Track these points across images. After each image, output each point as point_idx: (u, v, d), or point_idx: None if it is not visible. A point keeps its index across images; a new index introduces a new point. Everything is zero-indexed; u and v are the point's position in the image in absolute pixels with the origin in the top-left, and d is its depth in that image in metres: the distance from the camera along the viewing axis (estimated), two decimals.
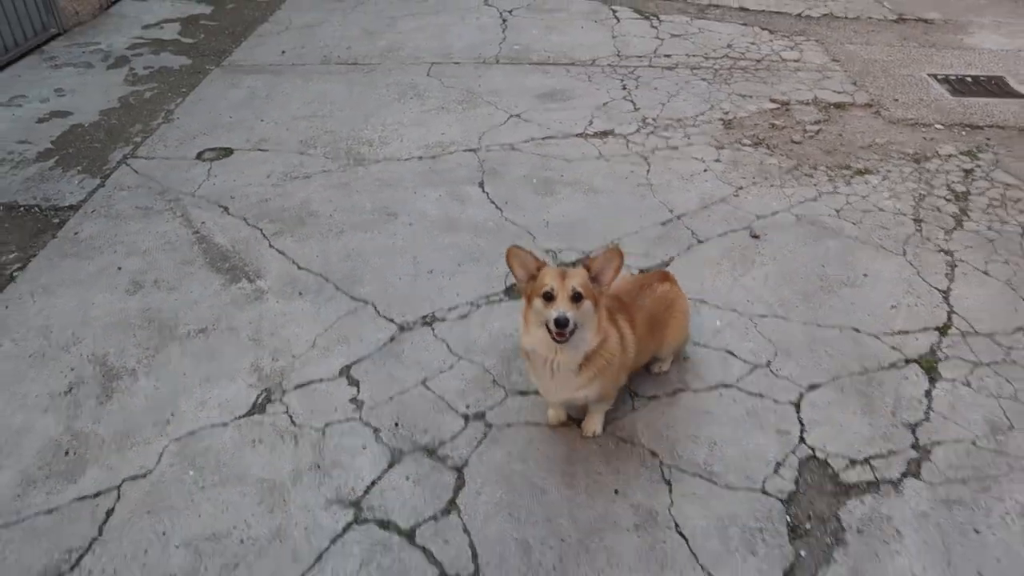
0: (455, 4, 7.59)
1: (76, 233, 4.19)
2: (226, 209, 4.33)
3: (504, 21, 7.12)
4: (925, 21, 7.22)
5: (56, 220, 4.31)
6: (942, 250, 3.95)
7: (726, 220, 4.16)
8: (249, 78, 6.01)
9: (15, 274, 3.89)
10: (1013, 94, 5.79)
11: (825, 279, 3.73)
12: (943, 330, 3.42)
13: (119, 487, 2.78)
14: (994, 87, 5.90)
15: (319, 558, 2.51)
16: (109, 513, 2.69)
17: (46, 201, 4.48)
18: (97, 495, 2.75)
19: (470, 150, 4.88)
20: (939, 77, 6.03)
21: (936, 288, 3.68)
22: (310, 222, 4.20)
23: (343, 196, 4.43)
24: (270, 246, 4.01)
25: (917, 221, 4.18)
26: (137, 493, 2.75)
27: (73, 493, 2.76)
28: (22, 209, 4.41)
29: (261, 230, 4.14)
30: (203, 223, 4.22)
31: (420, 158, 4.82)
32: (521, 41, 6.65)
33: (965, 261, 3.87)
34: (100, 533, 2.63)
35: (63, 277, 3.83)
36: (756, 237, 4.00)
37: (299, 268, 3.84)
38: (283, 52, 6.49)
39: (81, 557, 2.55)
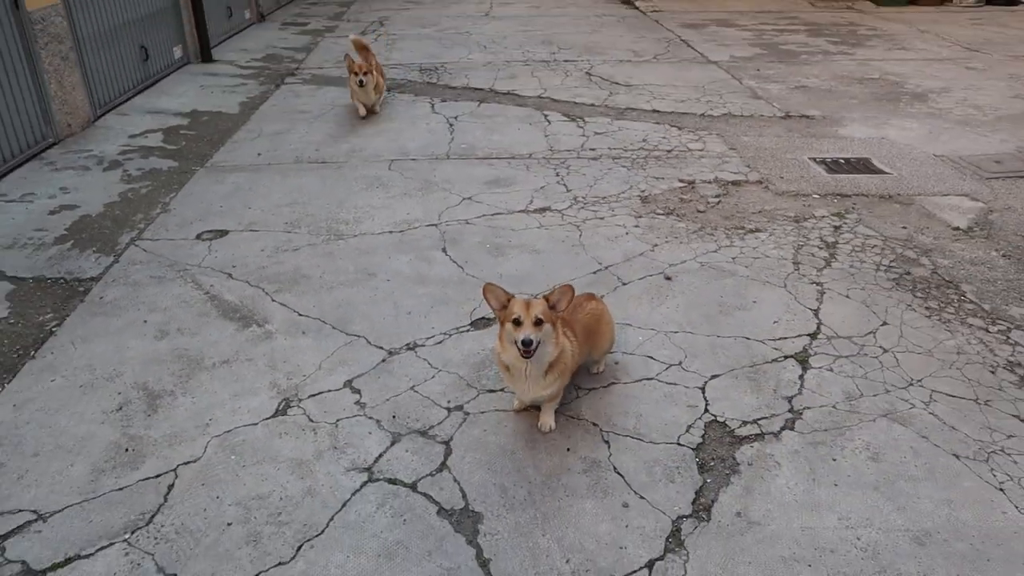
0: (407, 112, 8.72)
1: (101, 297, 4.96)
2: (230, 275, 5.17)
3: (451, 125, 8.25)
4: (807, 117, 8.59)
5: (81, 288, 5.07)
6: (814, 282, 5.01)
7: (644, 268, 5.17)
8: (232, 175, 6.93)
9: (54, 329, 4.63)
10: (875, 170, 7.06)
11: (723, 306, 4.73)
12: (813, 335, 4.43)
13: (175, 469, 3.51)
14: (861, 166, 7.17)
15: (344, 505, 3.28)
16: (170, 487, 3.42)
17: (69, 274, 5.25)
18: (158, 476, 3.48)
19: (432, 225, 5.85)
20: (817, 159, 7.29)
21: (808, 308, 4.71)
22: (303, 282, 5.06)
23: (329, 262, 5.31)
24: (272, 300, 4.85)
25: (795, 263, 5.26)
26: (190, 473, 3.49)
27: (138, 476, 3.48)
28: (50, 281, 5.17)
29: (263, 289, 4.97)
30: (212, 285, 5.04)
31: (390, 232, 5.76)
32: (467, 141, 7.75)
33: (832, 289, 4.93)
34: (165, 500, 3.35)
35: (97, 330, 4.59)
36: (668, 279, 5.01)
37: (299, 315, 4.68)
38: (259, 154, 7.45)
39: (153, 516, 3.27)
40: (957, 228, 5.87)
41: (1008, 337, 4.47)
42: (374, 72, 8.30)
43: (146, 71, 9.71)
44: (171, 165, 7.20)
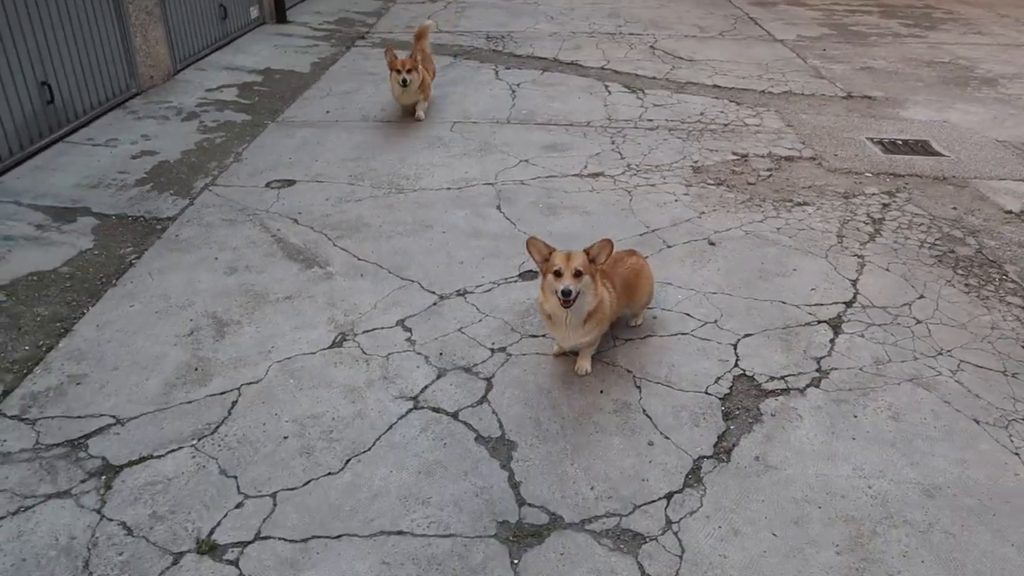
0: (472, 78, 8.95)
1: (177, 235, 5.33)
2: (295, 220, 5.49)
3: (513, 92, 8.46)
4: (869, 98, 8.57)
5: (159, 227, 5.45)
6: (856, 255, 5.12)
7: (690, 233, 5.34)
8: (301, 130, 7.26)
9: (134, 261, 5.01)
10: (933, 153, 7.07)
11: (763, 272, 4.89)
12: (849, 303, 4.57)
13: (239, 388, 3.84)
14: (919, 148, 7.18)
15: (390, 427, 3.57)
16: (234, 403, 3.75)
17: (148, 213, 5.63)
18: (223, 393, 3.81)
19: (488, 184, 6.09)
20: (874, 140, 7.32)
21: (847, 278, 4.84)
22: (364, 230, 5.36)
23: (389, 213, 5.60)
24: (334, 245, 5.15)
25: (840, 237, 5.37)
26: (252, 392, 3.82)
27: (205, 392, 3.82)
28: (130, 219, 5.56)
29: (326, 234, 5.29)
30: (279, 229, 5.37)
31: (448, 189, 6.02)
32: (528, 107, 7.96)
33: (872, 263, 5.04)
34: (229, 414, 3.68)
35: (172, 263, 4.95)
36: (712, 244, 5.17)
37: (358, 260, 4.98)
38: (327, 112, 7.77)
39: (218, 427, 3.60)
40: (1009, 211, 5.89)
41: None
42: (420, 68, 7.11)
43: (224, 29, 10.11)
44: (244, 118, 7.56)
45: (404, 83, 6.97)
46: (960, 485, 3.32)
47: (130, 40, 7.78)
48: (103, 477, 3.29)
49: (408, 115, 7.57)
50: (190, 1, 9.09)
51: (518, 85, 8.70)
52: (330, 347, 4.08)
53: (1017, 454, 3.50)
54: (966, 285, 4.81)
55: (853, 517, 3.13)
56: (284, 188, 5.98)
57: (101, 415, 3.63)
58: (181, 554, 2.95)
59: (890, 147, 7.12)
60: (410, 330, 4.21)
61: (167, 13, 8.53)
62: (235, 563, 2.91)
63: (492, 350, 4.05)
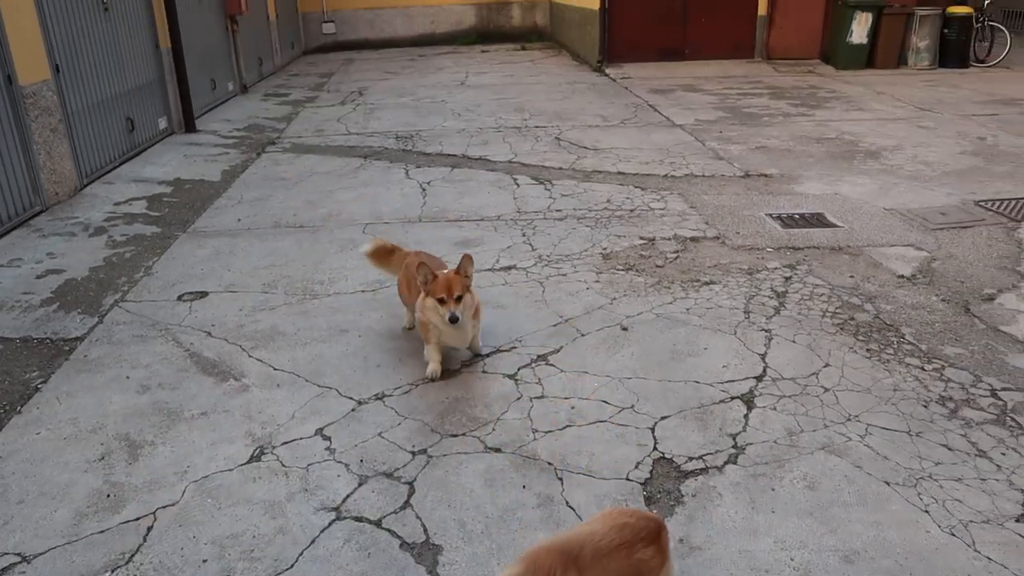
0: (382, 179, 9.10)
1: (85, 356, 5.21)
2: (209, 333, 5.43)
3: (424, 190, 8.64)
4: (766, 175, 9.03)
5: (66, 348, 5.32)
6: (763, 329, 5.33)
7: (602, 320, 5.48)
8: (212, 240, 7.24)
9: (40, 386, 4.86)
10: (828, 224, 7.46)
11: (676, 353, 5.03)
12: (759, 377, 4.73)
13: (154, 512, 3.72)
14: (815, 220, 7.57)
15: (313, 541, 3.51)
16: (149, 528, 3.63)
17: (55, 334, 5.50)
18: (138, 519, 3.69)
19: None
20: (773, 215, 7.69)
21: (756, 353, 5.01)
22: (279, 339, 5.33)
23: (304, 320, 5.59)
24: (249, 356, 5.11)
25: (746, 312, 5.58)
26: (168, 515, 3.71)
27: (118, 519, 3.70)
28: (36, 341, 5.42)
29: (240, 345, 5.24)
30: (192, 343, 5.30)
31: (363, 291, 6.06)
32: (439, 204, 8.12)
33: (779, 335, 5.24)
34: (144, 541, 3.56)
35: (81, 385, 4.83)
36: (625, 329, 5.31)
37: (274, 370, 4.94)
38: (239, 220, 7.77)
39: (132, 556, 3.48)
40: (901, 276, 6.23)
41: (942, 374, 4.78)
42: (470, 291, 4.59)
43: (132, 141, 10.09)
44: (154, 231, 7.50)
45: (455, 320, 4.33)
46: (877, 548, 3.42)
47: (33, 157, 7.71)
48: None
49: (434, 373, 4.79)
50: (96, 115, 9.07)
51: (428, 183, 8.88)
52: (248, 462, 4.01)
53: (927, 511, 3.64)
54: (867, 350, 5.04)
55: None
56: (196, 300, 5.92)
57: (4, 554, 3.47)
58: None
59: (788, 221, 7.49)
60: (329, 438, 4.17)
61: (72, 129, 8.50)
62: None
63: (413, 453, 4.05)
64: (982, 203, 8.02)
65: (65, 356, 5.17)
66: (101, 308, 5.83)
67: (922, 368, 4.86)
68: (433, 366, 4.69)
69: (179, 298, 5.98)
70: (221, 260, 6.69)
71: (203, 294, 6.04)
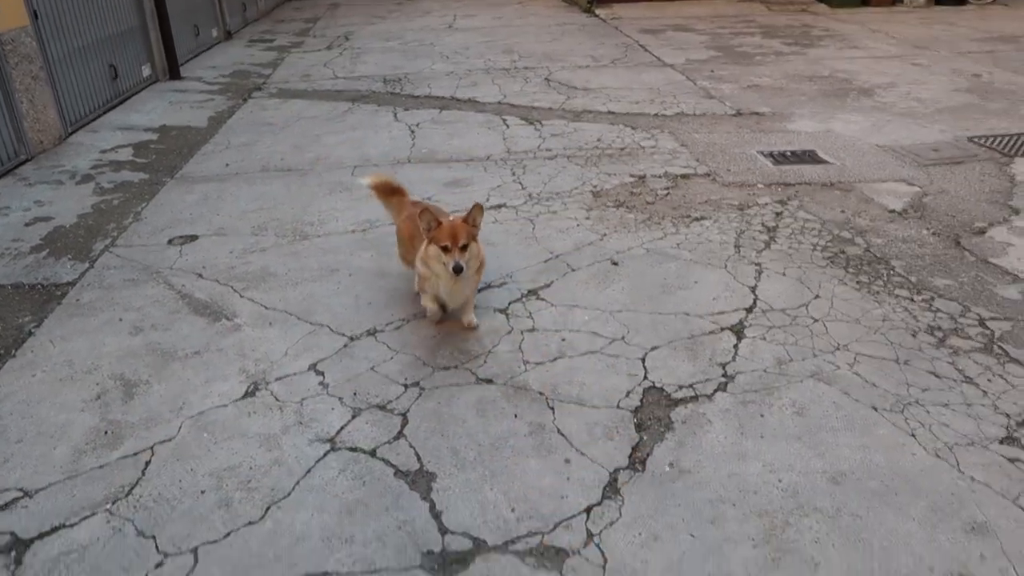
0: (370, 122, 9.01)
1: (77, 300, 5.20)
2: (200, 275, 5.43)
3: (413, 132, 8.56)
4: (758, 114, 8.97)
5: (58, 293, 5.31)
6: (753, 263, 5.34)
7: (593, 255, 5.48)
8: (200, 186, 7.19)
9: (33, 330, 4.87)
10: (820, 161, 7.43)
11: (666, 287, 5.05)
12: (749, 309, 4.76)
13: (151, 448, 3.76)
14: (806, 157, 7.54)
15: (308, 471, 3.55)
16: (147, 463, 3.67)
17: (46, 280, 5.48)
18: (136, 454, 3.73)
19: (392, 224, 6.12)
20: (764, 153, 7.65)
21: (746, 286, 5.04)
22: (270, 279, 5.33)
23: (294, 261, 5.59)
24: (241, 297, 5.11)
25: (737, 247, 5.59)
26: (166, 450, 3.75)
27: (116, 455, 3.73)
28: (27, 287, 5.41)
29: (231, 287, 5.24)
30: (183, 285, 5.30)
31: (353, 232, 6.04)
32: (428, 146, 8.06)
33: (769, 269, 5.26)
34: (143, 475, 3.60)
35: (74, 329, 4.83)
36: (615, 264, 5.32)
37: (266, 309, 4.95)
38: (227, 165, 7.71)
39: (132, 489, 3.52)
40: (892, 211, 6.23)
41: (931, 305, 4.82)
42: (476, 241, 4.32)
43: (116, 89, 9.95)
44: (142, 177, 7.44)
45: (459, 270, 4.07)
46: (863, 470, 3.48)
47: (15, 106, 7.60)
48: (12, 553, 3.18)
49: (434, 317, 4.70)
50: (78, 63, 8.93)
51: (417, 125, 8.80)
52: (243, 398, 4.04)
53: (913, 435, 3.69)
54: (857, 282, 5.07)
55: (766, 511, 3.26)
56: (186, 244, 5.90)
57: (6, 490, 3.51)
58: None
59: (779, 159, 7.46)
60: (322, 374, 4.20)
61: (54, 77, 8.37)
62: None
63: (405, 386, 4.08)
64: (975, 139, 7.99)
65: (57, 301, 5.17)
66: (91, 254, 5.81)
67: (911, 299, 4.89)
68: (432, 307, 4.53)
69: (169, 242, 5.96)
70: (210, 205, 6.66)
71: (193, 238, 6.02)
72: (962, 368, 4.22)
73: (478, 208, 4.18)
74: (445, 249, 4.06)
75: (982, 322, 4.63)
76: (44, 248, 5.93)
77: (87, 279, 5.46)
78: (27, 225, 6.34)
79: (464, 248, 4.07)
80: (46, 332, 4.80)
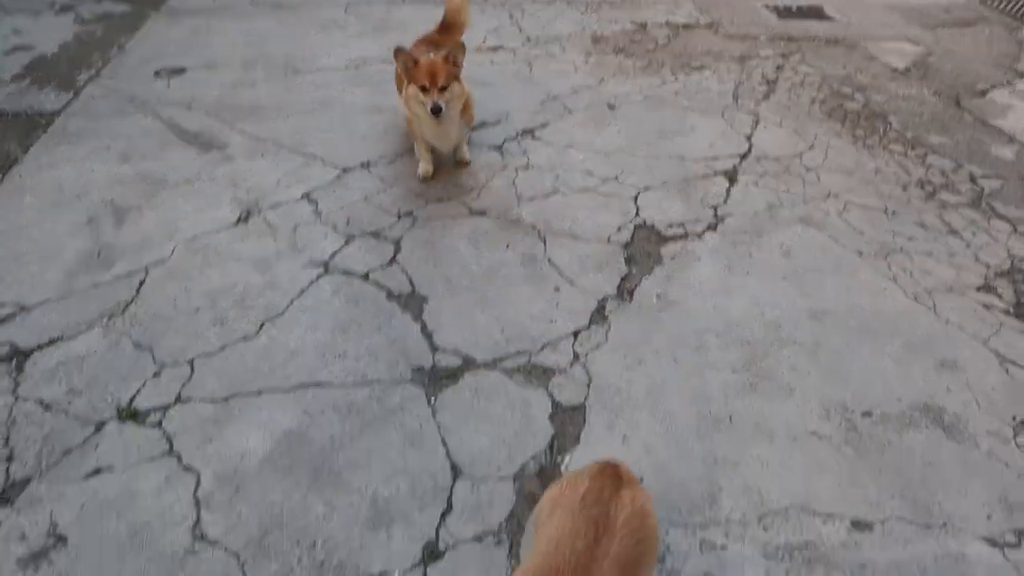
0: None
1: (64, 128, 5.11)
2: (188, 107, 5.32)
3: None
4: None
5: (43, 122, 5.21)
6: (751, 113, 5.28)
7: (590, 99, 5.40)
8: (188, 19, 6.94)
9: (20, 156, 4.80)
10: (826, 17, 7.23)
11: (662, 132, 5.01)
12: (744, 156, 4.74)
13: (145, 268, 3.79)
14: (812, 13, 7.33)
15: (302, 292, 3.61)
16: (141, 283, 3.71)
17: (31, 108, 5.37)
18: (129, 274, 3.76)
19: (386, 62, 5.97)
20: (769, 6, 7.43)
21: (742, 134, 5.00)
22: (261, 112, 5.24)
23: (286, 95, 5.48)
24: (232, 128, 5.03)
25: (735, 97, 5.51)
26: (160, 271, 3.78)
27: (110, 275, 3.76)
28: (10, 115, 5.29)
29: (222, 118, 5.15)
30: (171, 117, 5.20)
31: (346, 68, 5.90)
32: None
33: (766, 119, 5.21)
34: (137, 293, 3.65)
35: (62, 156, 4.77)
36: (612, 108, 5.25)
37: (258, 140, 4.89)
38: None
39: (127, 306, 3.57)
40: (895, 69, 6.12)
41: (924, 160, 4.81)
42: (459, 81, 4.09)
43: None
44: (124, 9, 7.18)
45: (436, 111, 3.93)
46: (845, 309, 3.57)
47: None
48: (13, 361, 3.25)
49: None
50: None
51: None
52: (235, 224, 4.05)
53: (895, 280, 3.77)
54: (853, 136, 5.04)
55: (748, 341, 3.35)
56: (174, 77, 5.76)
57: (3, 305, 3.55)
58: (103, 422, 2.97)
59: (784, 13, 7.25)
60: (315, 202, 4.20)
61: None
62: (158, 425, 2.95)
63: (399, 215, 4.09)
64: (988, 1, 7.76)
65: (43, 129, 5.08)
66: (76, 84, 5.67)
67: (905, 154, 4.88)
68: (424, 166, 4.43)
69: (156, 74, 5.81)
70: (198, 38, 6.46)
71: (181, 70, 5.86)
72: (948, 221, 4.26)
73: (459, 47, 3.99)
74: (424, 89, 3.94)
75: (973, 179, 4.64)
76: (26, 77, 5.78)
77: (72, 108, 5.35)
78: (7, 54, 6.16)
79: (444, 89, 3.94)
80: (34, 158, 4.74)
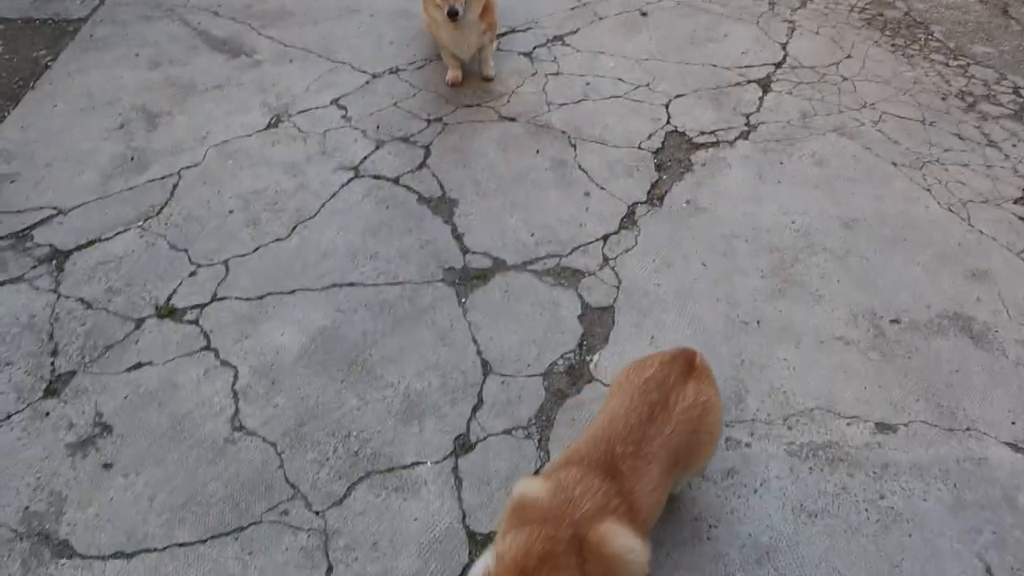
0: None
1: (91, 35, 5.08)
2: (216, 13, 5.27)
3: None
4: None
5: (70, 28, 5.18)
6: (787, 20, 5.14)
7: (622, 5, 5.27)
8: None
9: (49, 63, 4.80)
10: None
11: (695, 39, 4.90)
12: (779, 65, 4.64)
13: (178, 172, 3.82)
14: None
15: (333, 195, 3.63)
16: (175, 186, 3.75)
17: (57, 16, 5.33)
18: (163, 178, 3.80)
19: None
20: None
21: (777, 42, 4.88)
22: (288, 18, 5.17)
23: (313, 1, 5.40)
24: (259, 34, 4.99)
25: (771, 4, 5.36)
26: (193, 175, 3.81)
27: (144, 178, 3.80)
28: (37, 22, 5.27)
29: (249, 24, 5.10)
30: (199, 23, 5.15)
31: None
32: None
33: (803, 27, 5.08)
34: (171, 196, 3.69)
35: (91, 63, 4.76)
36: (644, 15, 5.14)
37: (286, 46, 4.84)
38: None
39: (161, 208, 3.62)
40: None
41: (966, 71, 4.69)
42: None
43: None
44: None
45: (454, 15, 3.81)
46: (876, 218, 3.55)
47: None
48: (53, 262, 3.33)
49: (455, 79, 4.43)
50: None
51: None
52: (266, 129, 4.06)
53: (929, 190, 3.73)
54: (892, 45, 4.91)
55: (777, 247, 3.35)
56: None
57: (41, 208, 3.61)
58: (142, 319, 3.05)
59: None
60: (345, 108, 4.19)
61: None
62: (195, 322, 3.03)
63: (428, 121, 4.08)
64: None
65: (70, 36, 5.06)
66: None
67: (946, 64, 4.76)
68: (452, 72, 4.34)
69: None
70: None
71: None
72: (988, 132, 4.17)
73: None
74: None
75: (1016, 90, 4.53)
76: None
77: (99, 15, 5.31)
78: None
79: None
80: (62, 65, 4.74)
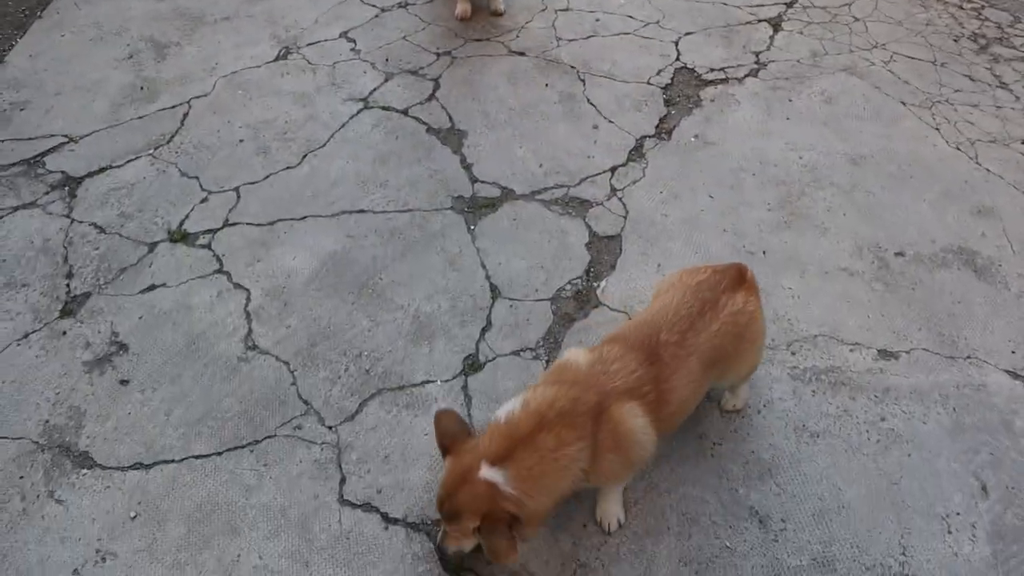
0: None
1: None
2: None
3: None
4: None
5: None
6: None
7: None
8: None
9: None
10: None
11: None
12: (790, 4, 4.61)
13: (188, 102, 3.83)
14: None
15: (343, 126, 3.64)
16: (185, 115, 3.76)
17: None
18: (173, 107, 3.81)
19: None
20: None
21: None
22: None
23: None
24: None
25: None
26: (202, 104, 3.82)
27: (154, 107, 3.81)
28: None
29: None
30: None
31: None
32: None
33: None
34: (182, 125, 3.70)
35: None
36: None
37: None
38: None
39: (172, 137, 3.63)
40: None
41: (979, 13, 4.66)
42: None
43: None
44: None
45: None
46: (884, 155, 3.56)
47: None
48: (66, 188, 3.35)
49: (464, 13, 4.42)
50: None
51: None
52: (275, 60, 4.06)
53: (937, 129, 3.73)
54: None
55: (784, 181, 3.37)
56: None
57: (52, 135, 3.63)
58: (155, 243, 3.09)
59: None
60: (354, 40, 4.18)
61: None
62: (208, 246, 3.07)
63: (437, 54, 4.07)
64: None
65: None
66: None
67: (960, 7, 4.73)
68: (462, 5, 4.35)
69: None
70: None
71: None
72: (999, 74, 4.16)
73: None
74: None
75: None
76: None
77: None
78: None
79: None
80: None
